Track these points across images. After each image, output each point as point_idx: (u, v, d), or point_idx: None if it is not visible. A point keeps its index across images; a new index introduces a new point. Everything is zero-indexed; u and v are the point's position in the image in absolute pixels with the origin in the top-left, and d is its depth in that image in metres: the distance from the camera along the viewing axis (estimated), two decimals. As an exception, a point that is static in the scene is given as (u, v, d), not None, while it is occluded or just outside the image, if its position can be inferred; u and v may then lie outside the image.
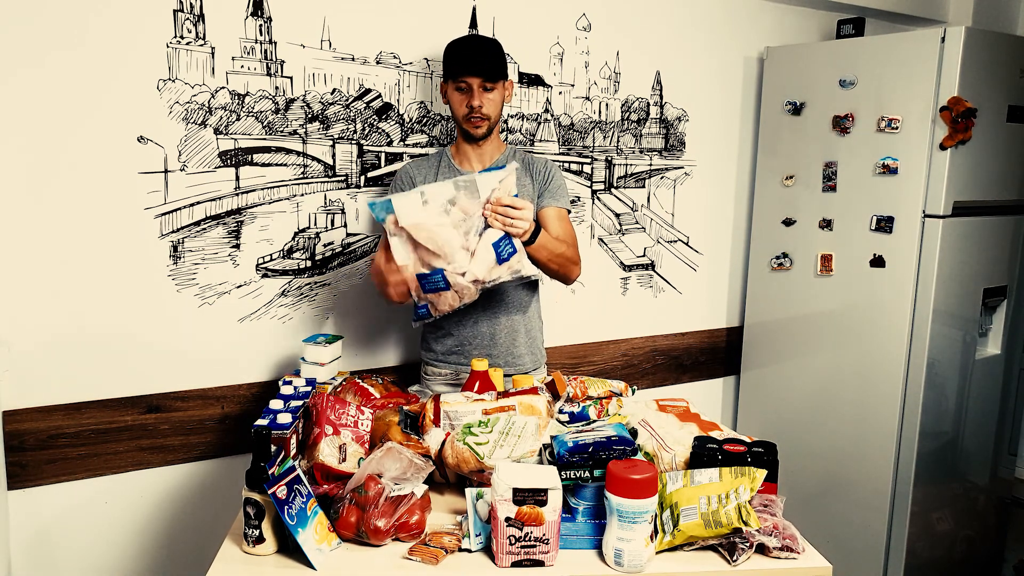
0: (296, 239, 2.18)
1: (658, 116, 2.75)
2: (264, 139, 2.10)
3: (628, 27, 2.63)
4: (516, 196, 1.76)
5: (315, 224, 2.21)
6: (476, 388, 1.72)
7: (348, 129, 2.21)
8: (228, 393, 2.16)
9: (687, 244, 2.90)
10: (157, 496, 2.12)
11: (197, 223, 2.05)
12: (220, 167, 2.05)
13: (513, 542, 1.30)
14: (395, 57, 2.24)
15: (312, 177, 2.18)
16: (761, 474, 1.38)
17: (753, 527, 1.33)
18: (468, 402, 1.59)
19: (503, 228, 1.73)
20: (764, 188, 2.88)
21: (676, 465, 1.50)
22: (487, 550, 1.36)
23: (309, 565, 1.31)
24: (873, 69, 2.50)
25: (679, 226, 2.86)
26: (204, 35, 1.99)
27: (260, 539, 1.35)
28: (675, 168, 2.82)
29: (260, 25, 2.05)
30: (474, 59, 1.91)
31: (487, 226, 1.74)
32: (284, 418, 1.50)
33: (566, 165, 2.58)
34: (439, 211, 1.72)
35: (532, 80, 2.48)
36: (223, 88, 2.03)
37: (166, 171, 1.99)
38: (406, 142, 2.31)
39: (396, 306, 2.09)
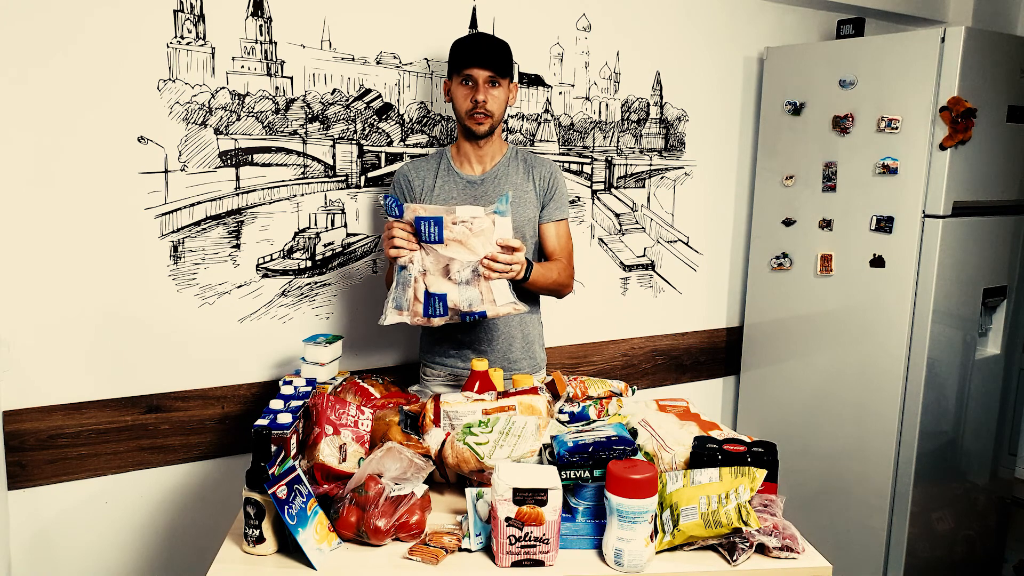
0: (296, 239, 2.19)
1: (658, 116, 2.75)
2: (264, 139, 2.10)
3: (628, 27, 2.63)
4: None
5: (315, 224, 2.21)
6: (476, 388, 1.72)
7: (348, 129, 2.21)
8: (228, 393, 2.16)
9: (687, 244, 2.90)
10: (157, 496, 2.12)
11: (197, 223, 2.05)
12: (220, 167, 2.05)
13: (513, 542, 1.30)
14: (395, 57, 2.25)
15: (312, 177, 2.18)
16: (761, 474, 1.38)
17: (753, 527, 1.33)
18: (468, 402, 1.59)
19: (495, 278, 1.72)
20: (764, 188, 2.88)
21: (676, 465, 1.50)
22: (487, 550, 1.36)
23: (309, 565, 1.31)
24: (873, 69, 2.50)
25: (679, 226, 2.87)
26: (204, 35, 1.99)
27: (260, 539, 1.35)
28: (675, 168, 2.82)
29: (260, 25, 2.06)
30: (483, 52, 1.91)
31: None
32: (284, 418, 1.50)
33: (566, 165, 2.58)
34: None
35: (532, 80, 2.48)
36: (223, 88, 2.03)
37: (166, 171, 1.99)
38: (406, 142, 2.31)
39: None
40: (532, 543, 1.30)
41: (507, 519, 1.29)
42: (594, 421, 1.68)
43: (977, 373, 2.62)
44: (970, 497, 2.74)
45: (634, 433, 1.57)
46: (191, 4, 1.96)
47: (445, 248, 1.69)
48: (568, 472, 1.40)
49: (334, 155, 2.21)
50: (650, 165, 2.76)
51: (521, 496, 1.28)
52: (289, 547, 1.35)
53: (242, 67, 2.05)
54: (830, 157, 2.64)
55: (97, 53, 1.88)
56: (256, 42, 2.06)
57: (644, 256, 2.81)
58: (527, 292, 2.04)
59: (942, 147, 2.36)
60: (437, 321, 1.73)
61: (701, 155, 2.86)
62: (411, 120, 2.30)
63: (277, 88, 2.10)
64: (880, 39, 2.54)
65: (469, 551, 1.36)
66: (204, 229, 2.06)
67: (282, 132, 2.12)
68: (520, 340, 2.05)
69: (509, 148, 2.06)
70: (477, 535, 1.37)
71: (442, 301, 1.70)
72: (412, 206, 1.72)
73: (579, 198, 2.63)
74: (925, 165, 2.39)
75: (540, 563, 1.32)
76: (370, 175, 2.27)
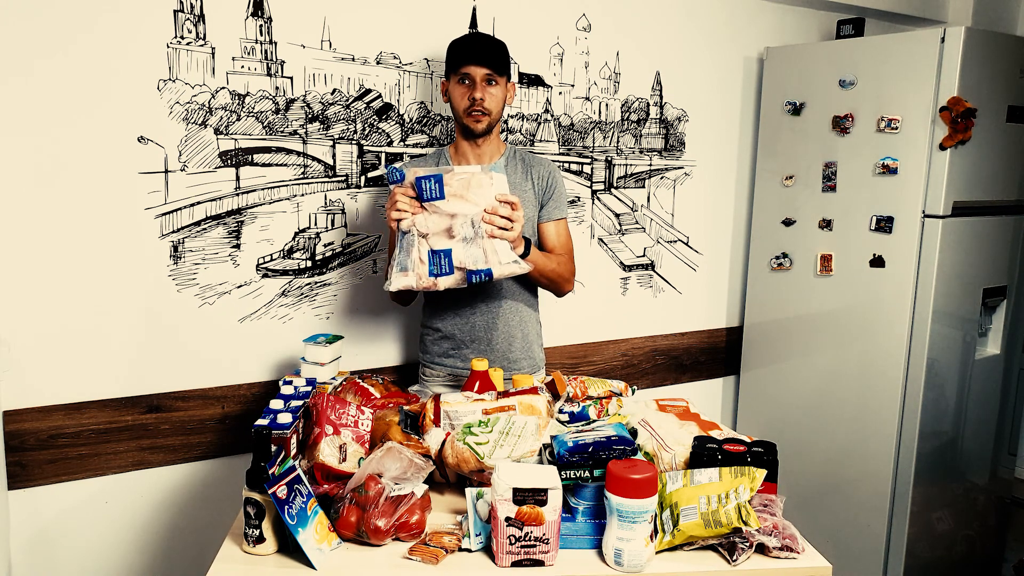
0: (296, 239, 2.19)
1: (658, 116, 2.75)
2: (264, 139, 2.10)
3: (628, 27, 2.63)
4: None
5: (315, 224, 2.21)
6: (476, 388, 1.72)
7: (348, 129, 2.21)
8: (228, 393, 2.16)
9: (687, 244, 2.90)
10: (157, 496, 2.12)
11: (197, 223, 2.05)
12: (220, 167, 2.05)
13: (513, 542, 1.30)
14: (395, 57, 2.25)
15: (312, 177, 2.18)
16: (761, 474, 1.38)
17: (753, 527, 1.33)
18: (468, 402, 1.59)
19: (497, 236, 1.73)
20: (764, 188, 2.88)
21: (676, 465, 1.50)
22: (487, 550, 1.37)
23: (309, 565, 1.31)
24: (873, 69, 2.50)
25: (679, 226, 2.87)
26: (204, 35, 1.99)
27: (260, 539, 1.35)
28: (675, 168, 2.82)
29: (260, 25, 2.06)
30: (480, 50, 1.91)
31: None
32: (284, 418, 1.50)
33: (566, 165, 2.58)
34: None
35: (532, 80, 2.48)
36: (223, 88, 2.03)
37: (166, 171, 1.99)
38: (406, 142, 2.31)
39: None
40: (532, 543, 1.30)
41: (507, 519, 1.29)
42: (594, 421, 1.68)
43: (977, 373, 2.62)
44: (970, 497, 2.74)
45: (634, 433, 1.58)
46: (191, 4, 1.96)
47: (446, 203, 1.71)
48: (568, 472, 1.40)
49: (334, 155, 2.21)
50: (650, 165, 2.76)
51: (521, 496, 1.28)
52: (289, 547, 1.35)
53: (242, 67, 2.05)
54: (830, 157, 2.64)
55: (97, 53, 1.88)
56: (256, 42, 2.06)
57: (644, 256, 2.81)
58: (528, 285, 2.04)
59: (942, 147, 2.36)
60: (444, 282, 1.74)
61: (701, 155, 2.86)
62: (411, 120, 2.30)
63: (277, 88, 2.10)
64: (880, 39, 2.54)
65: (469, 551, 1.36)
66: (204, 229, 2.06)
67: (282, 132, 2.12)
68: (520, 340, 2.05)
69: (507, 148, 2.06)
70: (477, 535, 1.37)
71: (447, 257, 1.72)
72: (412, 169, 1.75)
73: (579, 198, 2.63)
74: (925, 165, 2.39)
75: (540, 563, 1.32)
76: (370, 175, 2.27)
